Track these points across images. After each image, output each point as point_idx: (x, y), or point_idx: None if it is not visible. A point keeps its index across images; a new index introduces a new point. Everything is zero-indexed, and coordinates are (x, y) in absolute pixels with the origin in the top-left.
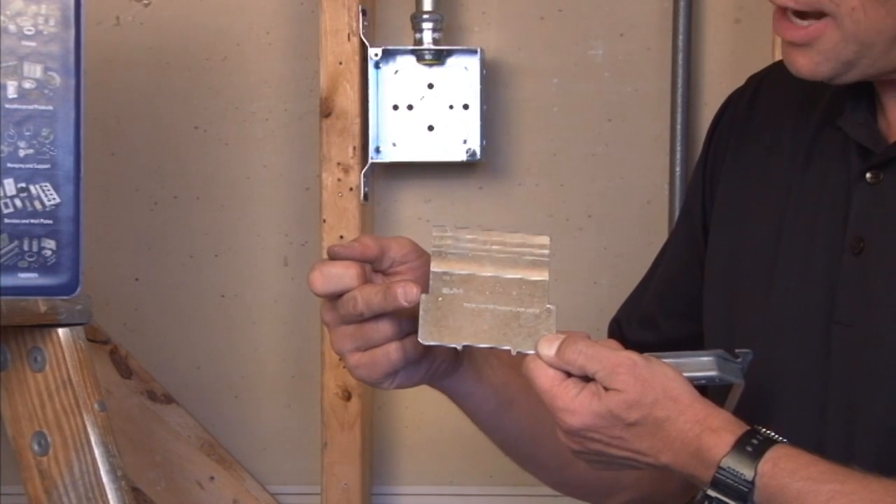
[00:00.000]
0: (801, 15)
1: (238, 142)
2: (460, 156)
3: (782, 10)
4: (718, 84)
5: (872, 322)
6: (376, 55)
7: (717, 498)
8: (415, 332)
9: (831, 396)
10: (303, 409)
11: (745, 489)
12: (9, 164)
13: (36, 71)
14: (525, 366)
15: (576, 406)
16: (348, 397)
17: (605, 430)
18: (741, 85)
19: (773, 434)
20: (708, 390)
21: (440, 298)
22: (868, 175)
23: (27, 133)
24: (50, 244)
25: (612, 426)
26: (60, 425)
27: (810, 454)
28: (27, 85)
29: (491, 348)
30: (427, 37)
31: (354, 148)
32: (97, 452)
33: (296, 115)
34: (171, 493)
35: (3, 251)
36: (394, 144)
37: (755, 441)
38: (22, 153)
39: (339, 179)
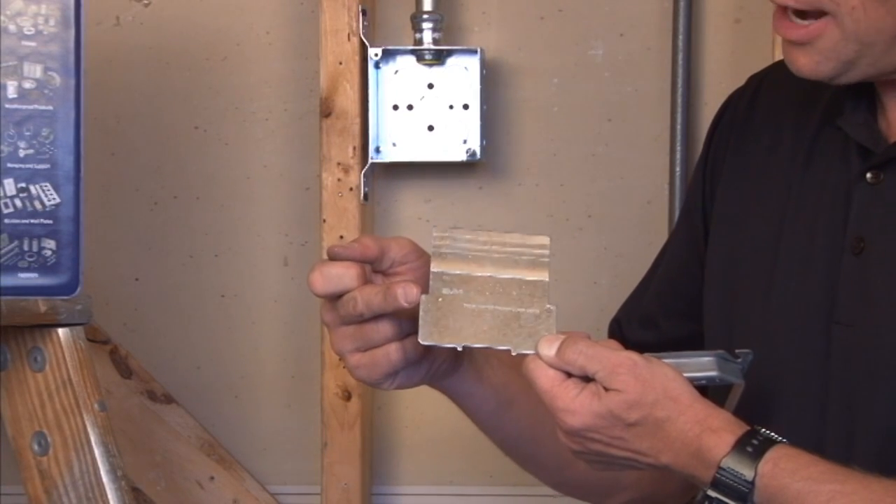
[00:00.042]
0: (802, 14)
1: (238, 142)
2: (460, 156)
3: (782, 10)
4: (718, 84)
5: (872, 322)
6: (376, 55)
7: (717, 498)
8: (415, 332)
9: (831, 396)
10: (303, 409)
11: (746, 489)
12: (9, 164)
13: (36, 71)
14: (525, 366)
15: (576, 406)
16: (348, 397)
17: (605, 431)
18: (741, 85)
19: (773, 434)
20: (708, 391)
21: (440, 299)
22: (868, 175)
23: (27, 133)
24: (50, 244)
25: (612, 426)
26: (60, 425)
27: (810, 454)
28: (27, 85)
29: (491, 349)
30: (427, 37)
31: (354, 148)
32: (97, 452)
33: (296, 115)
34: (171, 493)
35: (3, 251)
36: (394, 144)
37: (755, 441)
38: (22, 153)
39: (339, 179)
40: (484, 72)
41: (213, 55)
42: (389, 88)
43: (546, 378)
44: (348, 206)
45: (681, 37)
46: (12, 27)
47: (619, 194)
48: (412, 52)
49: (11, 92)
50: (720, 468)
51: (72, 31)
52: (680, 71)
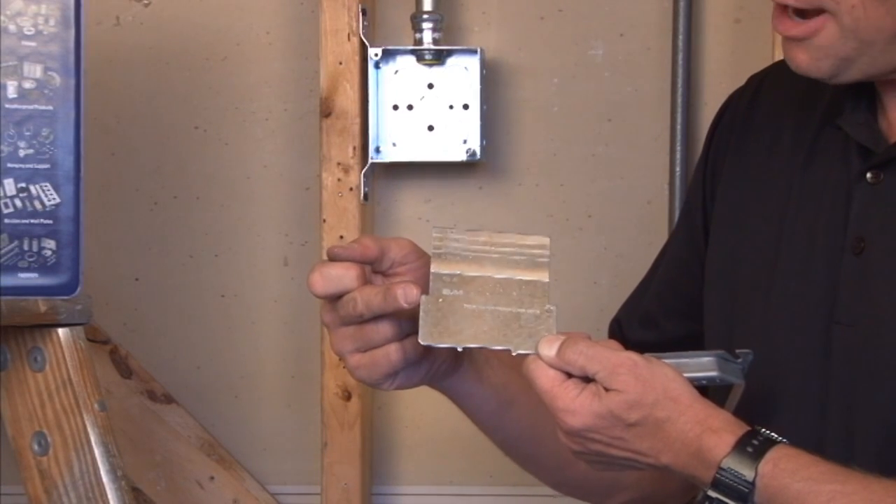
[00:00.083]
0: (801, 13)
1: (238, 142)
2: (460, 156)
3: (782, 8)
4: (718, 84)
5: (873, 322)
6: (376, 55)
7: (717, 498)
8: (415, 333)
9: (831, 396)
10: (303, 409)
11: (746, 490)
12: (9, 164)
13: (36, 71)
14: (525, 366)
15: (576, 406)
16: (348, 397)
17: (605, 431)
18: (741, 85)
19: (773, 434)
20: (708, 391)
21: (440, 299)
22: (868, 175)
23: (27, 133)
24: (50, 244)
25: (612, 427)
26: (60, 425)
27: (811, 454)
28: (27, 85)
29: (491, 349)
30: (427, 37)
31: (354, 148)
32: (97, 452)
33: (296, 115)
34: (171, 493)
35: (3, 251)
36: (394, 144)
37: (756, 441)
38: (22, 153)
39: (339, 179)
40: (484, 72)
41: (213, 55)
42: (389, 88)
43: (546, 378)
44: (348, 206)
45: (681, 37)
46: (12, 27)
47: (619, 194)
48: (412, 52)
49: (11, 92)
50: (720, 468)
51: (72, 31)
52: (680, 71)
